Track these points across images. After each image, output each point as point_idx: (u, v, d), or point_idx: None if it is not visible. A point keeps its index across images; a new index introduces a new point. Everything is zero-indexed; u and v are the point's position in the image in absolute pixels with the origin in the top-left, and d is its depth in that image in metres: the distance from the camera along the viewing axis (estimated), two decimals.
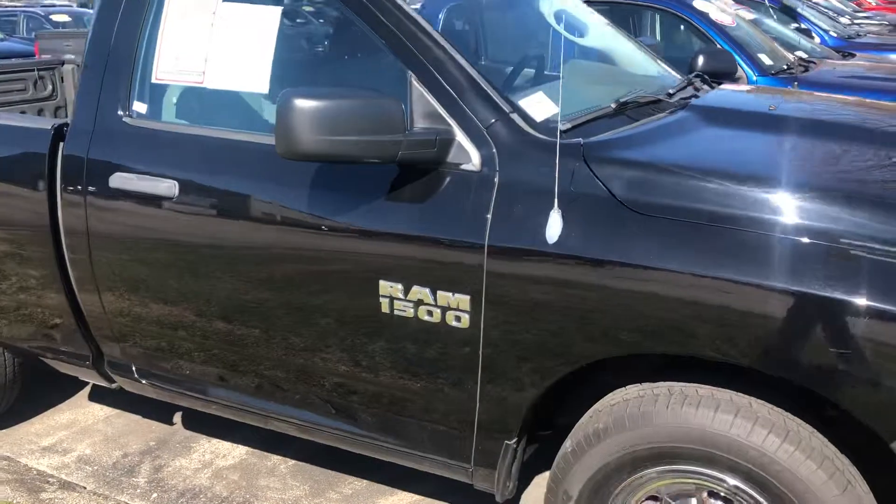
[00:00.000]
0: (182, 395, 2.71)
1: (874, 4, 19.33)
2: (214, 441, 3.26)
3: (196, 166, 2.38)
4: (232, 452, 3.18)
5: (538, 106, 2.15)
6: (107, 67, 2.52)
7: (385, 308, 2.14)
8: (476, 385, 2.11)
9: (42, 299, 2.78)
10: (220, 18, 2.37)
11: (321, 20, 2.94)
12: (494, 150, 2.03)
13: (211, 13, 2.38)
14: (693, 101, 2.61)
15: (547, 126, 2.09)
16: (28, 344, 2.95)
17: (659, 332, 1.86)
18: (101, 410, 3.52)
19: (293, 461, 3.11)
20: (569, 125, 2.11)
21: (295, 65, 2.63)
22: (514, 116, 2.07)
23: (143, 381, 2.74)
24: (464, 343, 2.07)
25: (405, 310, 2.11)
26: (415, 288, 2.09)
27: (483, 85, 2.09)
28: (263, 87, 2.32)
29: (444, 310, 2.06)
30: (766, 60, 6.00)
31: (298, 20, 2.98)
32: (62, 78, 4.68)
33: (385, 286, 2.12)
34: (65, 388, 3.61)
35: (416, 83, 2.09)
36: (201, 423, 3.35)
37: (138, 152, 2.46)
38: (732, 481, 1.88)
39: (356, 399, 2.35)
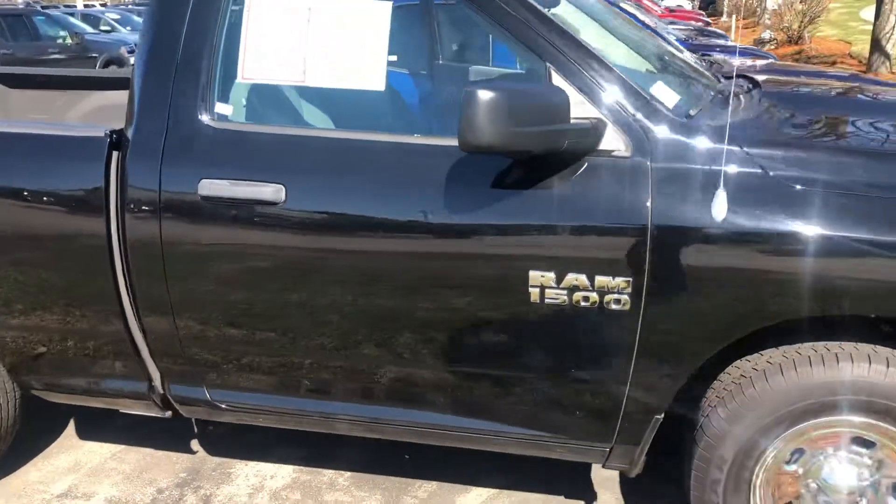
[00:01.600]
0: (270, 414, 2.55)
1: (661, 12, 21.20)
2: (251, 463, 3.08)
3: (307, 169, 2.26)
4: (278, 472, 3.03)
5: (664, 94, 2.26)
6: (177, 69, 2.33)
7: (535, 298, 2.16)
8: (629, 365, 2.19)
9: (93, 327, 2.51)
10: (320, 13, 2.27)
11: (439, 15, 2.87)
12: (644, 136, 2.11)
13: (306, 8, 2.28)
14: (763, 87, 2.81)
15: (679, 111, 2.20)
16: (62, 379, 2.65)
17: (822, 297, 2.03)
18: (101, 448, 3.21)
19: (349, 472, 3.01)
20: (694, 110, 2.25)
21: (412, 61, 2.57)
22: (655, 104, 2.17)
23: (221, 405, 2.55)
24: (621, 325, 2.14)
25: (558, 297, 2.15)
26: (569, 275, 2.13)
27: (622, 75, 2.17)
28: (379, 84, 2.25)
29: (603, 294, 2.12)
30: None
31: (411, 14, 2.89)
32: None
33: (535, 276, 2.14)
34: (38, 430, 3.24)
35: (556, 76, 2.13)
36: (228, 448, 3.17)
37: (230, 157, 2.30)
38: (885, 424, 2.09)
39: (492, 393, 2.35)
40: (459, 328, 2.26)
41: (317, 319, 2.34)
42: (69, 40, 15.81)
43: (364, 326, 2.32)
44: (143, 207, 2.34)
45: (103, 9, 19.08)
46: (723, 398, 2.21)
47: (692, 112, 2.25)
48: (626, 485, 2.91)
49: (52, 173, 2.44)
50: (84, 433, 3.30)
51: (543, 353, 2.24)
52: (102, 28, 20.91)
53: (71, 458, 3.14)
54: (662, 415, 2.26)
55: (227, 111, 2.35)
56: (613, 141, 2.12)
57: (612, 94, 2.14)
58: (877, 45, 13.02)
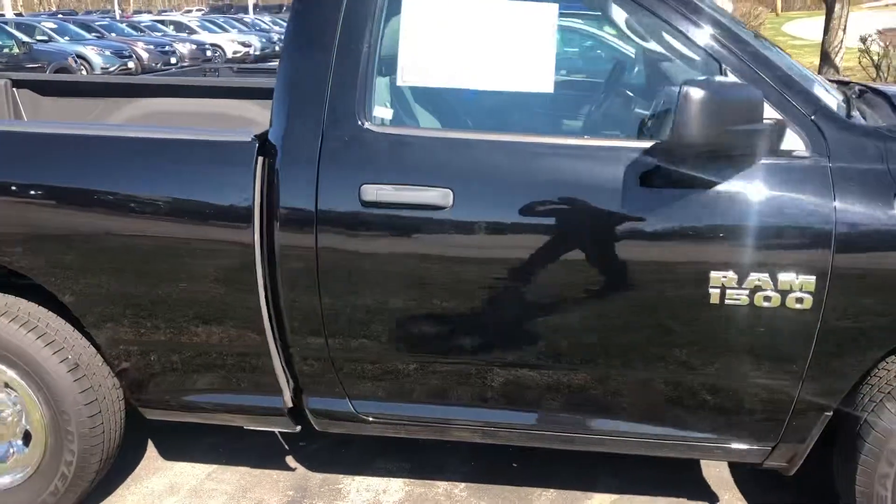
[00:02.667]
0: (421, 425, 2.48)
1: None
2: (358, 478, 2.99)
3: (475, 172, 2.22)
4: (389, 486, 2.94)
5: (826, 96, 2.29)
6: (333, 72, 2.26)
7: (715, 299, 2.16)
8: (805, 364, 2.20)
9: (230, 342, 2.41)
10: (483, 15, 2.23)
11: (603, 16, 2.82)
12: (822, 137, 2.14)
13: (469, 10, 2.24)
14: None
15: (842, 113, 2.24)
16: (187, 396, 2.52)
17: None
18: (193, 468, 3.07)
19: (462, 483, 2.95)
20: (851, 113, 2.29)
21: (581, 62, 2.53)
22: (825, 105, 2.20)
23: (368, 417, 2.46)
24: (801, 324, 2.16)
25: (739, 298, 2.15)
26: (752, 276, 2.14)
27: (796, 77, 2.20)
28: (548, 86, 2.22)
29: (785, 294, 2.13)
30: None
31: (576, 16, 2.84)
32: None
33: (717, 277, 2.15)
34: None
35: (733, 78, 2.14)
36: (327, 463, 3.07)
37: (392, 161, 2.24)
38: None
39: (657, 397, 2.33)
40: (634, 332, 2.24)
41: (480, 326, 2.29)
42: (16, 49, 15.21)
43: (531, 334, 2.28)
44: (297, 215, 2.26)
45: (38, 18, 18.50)
46: (890, 392, 2.25)
47: (852, 114, 2.29)
48: (744, 484, 2.93)
49: (193, 180, 2.34)
50: (169, 453, 3.15)
51: (718, 354, 2.24)
52: (38, 38, 20.19)
53: (164, 480, 3.00)
54: (832, 412, 2.28)
55: (386, 115, 2.29)
56: (793, 141, 2.14)
57: (789, 95, 2.16)
58: (826, 58, 13.59)
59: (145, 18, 31.89)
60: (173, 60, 22.43)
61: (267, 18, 33.77)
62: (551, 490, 2.91)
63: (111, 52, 19.95)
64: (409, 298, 2.29)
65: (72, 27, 22.15)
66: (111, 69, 19.17)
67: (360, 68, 2.25)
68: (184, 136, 2.38)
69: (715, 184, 2.13)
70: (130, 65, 20.33)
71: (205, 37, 25.97)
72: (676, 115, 1.90)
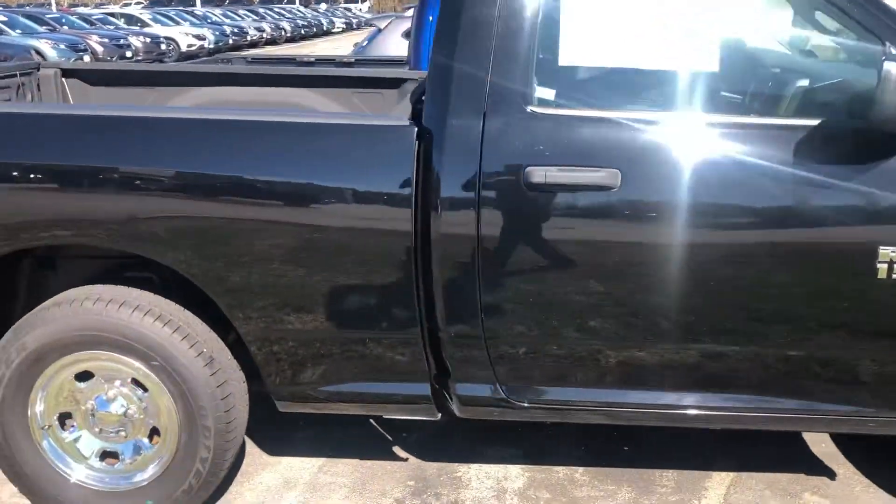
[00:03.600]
0: (578, 409, 2.47)
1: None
2: (473, 466, 2.97)
3: (641, 152, 2.21)
4: (508, 473, 2.93)
5: None
6: (494, 54, 2.23)
7: (883, 274, 2.19)
8: None
9: (381, 329, 2.37)
10: None
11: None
12: None
13: None
14: None
15: None
16: (331, 385, 2.47)
17: None
18: (302, 462, 3.00)
19: (581, 468, 2.95)
20: None
21: (744, 42, 2.53)
22: None
23: (523, 402, 2.44)
24: None
25: None
26: None
27: None
28: (714, 64, 2.23)
29: None
30: None
31: None
32: (38, 85, 3.88)
33: (886, 252, 2.18)
34: None
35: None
36: (435, 452, 3.05)
37: (556, 142, 2.22)
38: None
39: (820, 372, 2.36)
40: (801, 309, 2.26)
41: (645, 308, 2.30)
42: None
43: (697, 315, 2.28)
44: (459, 200, 2.22)
45: None
46: None
47: None
48: (853, 458, 2.99)
49: (349, 166, 2.28)
50: (272, 448, 3.08)
51: (885, 329, 2.28)
52: None
53: (275, 475, 2.93)
54: None
55: (549, 95, 2.27)
56: None
57: None
58: None
59: (83, 11, 30.96)
60: (129, 54, 21.91)
61: (218, 11, 33.14)
62: (670, 471, 2.93)
63: (66, 46, 19.37)
64: (572, 281, 2.28)
65: (22, 19, 21.42)
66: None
67: (521, 49, 2.23)
68: (342, 121, 2.32)
69: (885, 158, 2.14)
70: (86, 59, 19.75)
71: (158, 30, 25.38)
72: (879, 94, 1.92)
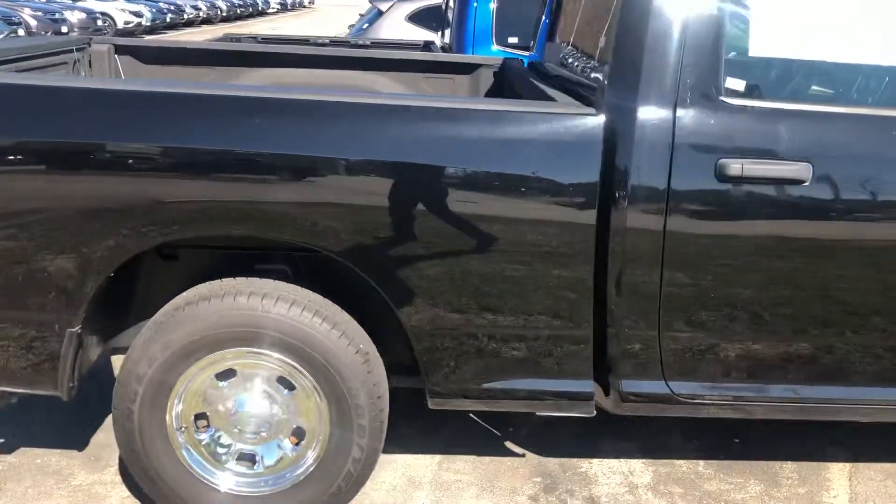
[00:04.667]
0: (744, 404, 2.45)
1: None
2: (594, 461, 2.93)
3: (833, 146, 2.20)
4: (631, 468, 2.90)
5: None
6: (686, 43, 2.18)
7: None
8: None
9: (552, 326, 2.30)
10: None
11: None
12: None
13: None
14: None
15: None
16: (489, 382, 2.39)
17: None
18: (415, 460, 2.90)
19: (701, 461, 2.95)
20: None
21: None
22: None
23: (693, 399, 2.40)
24: None
25: None
26: None
27: None
28: None
29: None
30: None
31: None
32: (90, 61, 3.66)
33: None
34: None
35: None
36: (550, 447, 2.99)
37: (747, 134, 2.19)
38: None
39: None
40: None
41: (830, 303, 2.29)
42: None
43: (875, 311, 2.29)
44: (647, 194, 2.18)
45: None
46: None
47: None
48: None
49: (531, 155, 2.20)
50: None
51: None
52: None
53: (396, 473, 2.83)
54: None
55: (739, 87, 2.23)
56: None
57: None
58: None
59: None
60: (64, 29, 20.93)
61: None
62: (787, 462, 2.95)
63: None
64: (759, 276, 2.26)
65: None
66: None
67: (713, 39, 2.18)
68: (527, 109, 2.22)
69: None
70: (20, 32, 18.80)
71: (93, 4, 24.35)
72: None
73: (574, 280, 2.25)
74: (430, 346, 2.33)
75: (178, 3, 30.01)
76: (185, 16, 29.61)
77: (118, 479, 2.75)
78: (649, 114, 2.17)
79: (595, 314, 2.31)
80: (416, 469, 2.86)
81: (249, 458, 2.47)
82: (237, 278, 2.36)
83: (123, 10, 24.99)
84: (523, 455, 2.96)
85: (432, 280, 2.25)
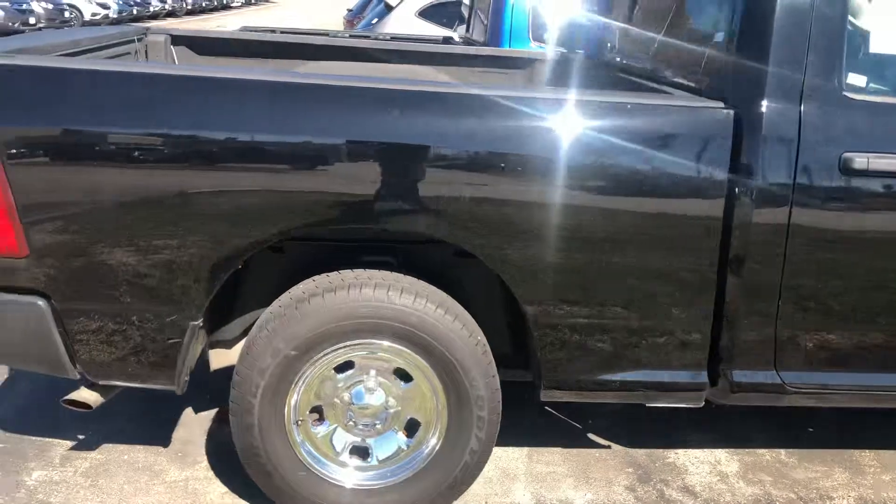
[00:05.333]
0: (852, 395, 2.51)
1: None
2: (679, 451, 2.97)
3: None
4: (717, 457, 2.95)
5: None
6: (811, 38, 2.22)
7: None
8: None
9: (672, 317, 2.33)
10: None
11: None
12: None
13: None
14: None
15: None
16: (608, 374, 2.40)
17: None
18: (503, 451, 2.89)
19: (782, 450, 3.00)
20: None
21: None
22: None
23: (799, 389, 2.45)
24: None
25: None
26: None
27: None
28: None
29: None
30: None
31: None
32: (146, 52, 3.61)
33: None
34: None
35: None
36: (629, 436, 3.03)
37: (871, 129, 2.24)
38: None
39: None
40: None
41: None
42: None
43: None
44: (773, 188, 2.21)
45: None
46: None
47: None
48: None
49: (661, 148, 2.22)
50: None
51: None
52: None
53: (488, 465, 2.76)
54: None
55: (860, 82, 2.28)
56: None
57: None
58: None
59: None
60: (32, 20, 20.48)
61: None
62: (867, 451, 3.02)
63: None
64: (882, 269, 2.31)
65: None
66: None
67: (837, 34, 2.22)
68: (658, 102, 2.25)
69: None
70: None
71: None
72: None
73: (699, 273, 2.28)
74: (551, 340, 2.34)
75: None
76: (151, 8, 29.12)
77: (211, 474, 2.72)
78: (776, 108, 2.21)
79: (718, 305, 2.34)
80: (507, 461, 2.87)
81: (362, 452, 2.45)
82: (356, 270, 2.34)
83: (90, 2, 24.51)
84: (609, 447, 2.99)
85: (560, 273, 2.26)
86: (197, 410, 3.09)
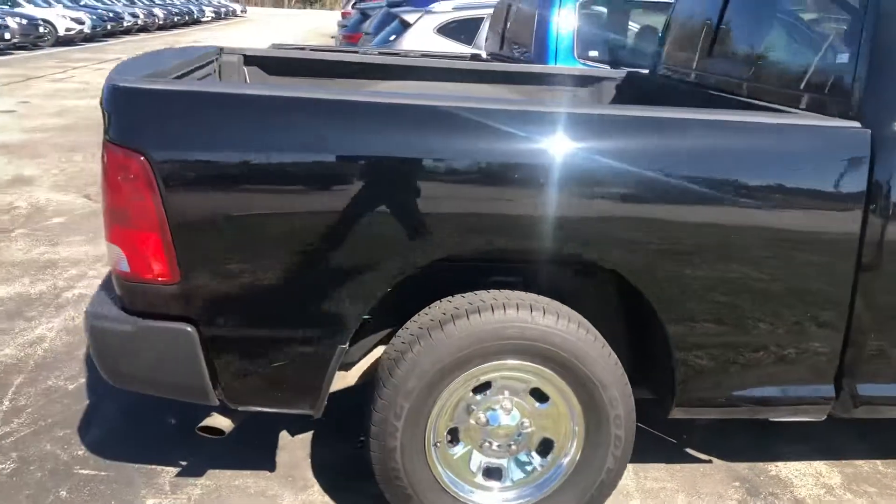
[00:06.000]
0: None
1: None
2: (779, 464, 3.01)
3: None
4: (817, 469, 2.99)
5: None
6: None
7: None
8: None
9: (803, 333, 2.37)
10: None
11: None
12: None
13: None
14: None
15: None
16: (739, 391, 2.43)
17: None
18: None
19: (878, 461, 3.05)
20: None
21: None
22: None
23: None
24: None
25: None
26: None
27: None
28: None
29: None
30: None
31: None
32: (219, 72, 3.60)
33: None
34: None
35: None
36: (725, 450, 3.06)
37: None
38: None
39: None
40: None
41: None
42: None
43: None
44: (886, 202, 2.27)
45: None
46: None
47: None
48: None
49: (802, 168, 2.26)
50: None
51: None
52: None
53: None
54: None
55: None
56: None
57: None
58: None
59: None
60: (7, 36, 20.14)
61: None
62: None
63: None
64: None
65: None
66: None
67: None
68: (799, 122, 2.29)
69: None
70: None
71: (34, 11, 23.45)
72: None
73: (834, 289, 2.32)
74: (690, 358, 2.36)
75: (118, 10, 29.18)
76: (124, 24, 28.82)
77: (327, 499, 2.69)
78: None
79: (849, 321, 2.38)
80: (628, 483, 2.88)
81: (496, 472, 2.45)
82: (492, 291, 2.35)
83: (64, 17, 24.16)
84: (710, 461, 3.01)
85: (701, 291, 2.29)
86: (292, 433, 3.06)
